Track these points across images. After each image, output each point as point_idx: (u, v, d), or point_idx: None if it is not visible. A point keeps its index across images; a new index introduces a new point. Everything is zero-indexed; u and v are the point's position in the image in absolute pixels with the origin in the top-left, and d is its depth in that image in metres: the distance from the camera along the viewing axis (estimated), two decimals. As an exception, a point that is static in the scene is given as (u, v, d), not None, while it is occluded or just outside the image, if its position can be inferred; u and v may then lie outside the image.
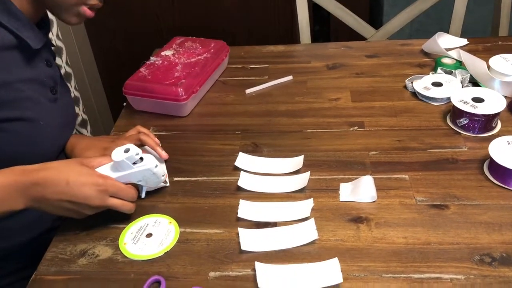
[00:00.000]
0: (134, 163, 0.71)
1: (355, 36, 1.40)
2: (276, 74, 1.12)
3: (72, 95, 1.60)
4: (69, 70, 1.57)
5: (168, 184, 0.83)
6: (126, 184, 0.71)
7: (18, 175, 0.66)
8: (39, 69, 0.78)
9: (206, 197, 0.80)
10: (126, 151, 0.70)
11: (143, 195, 0.78)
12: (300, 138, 0.92)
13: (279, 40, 1.85)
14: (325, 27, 2.00)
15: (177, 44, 1.13)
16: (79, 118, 1.66)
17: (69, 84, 1.58)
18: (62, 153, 0.86)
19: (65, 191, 0.66)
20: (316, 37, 1.88)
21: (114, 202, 0.70)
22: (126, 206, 0.71)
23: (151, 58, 1.07)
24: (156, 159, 0.73)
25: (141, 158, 0.72)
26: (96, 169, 0.70)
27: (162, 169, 0.76)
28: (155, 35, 1.86)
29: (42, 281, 0.68)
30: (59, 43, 1.50)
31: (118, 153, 0.70)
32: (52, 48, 0.86)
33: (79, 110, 1.65)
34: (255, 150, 0.89)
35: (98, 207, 0.69)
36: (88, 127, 1.71)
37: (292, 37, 1.84)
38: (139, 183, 0.74)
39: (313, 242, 0.70)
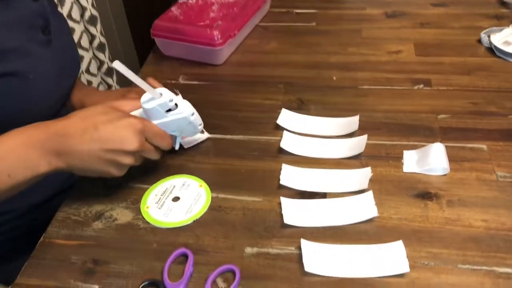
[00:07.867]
0: (168, 111, 0.60)
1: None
2: (326, 21, 0.98)
3: (98, 41, 1.49)
4: (95, 13, 1.45)
5: (207, 136, 0.72)
6: None
7: (31, 130, 0.54)
8: (23, 7, 0.63)
9: (243, 158, 0.68)
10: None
11: (176, 147, 0.67)
12: (354, 95, 0.79)
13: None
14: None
15: (214, -18, 0.99)
16: (105, 66, 1.55)
17: (94, 29, 1.47)
18: (63, 108, 0.73)
19: (95, 138, 0.54)
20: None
21: (150, 147, 0.59)
22: (156, 154, 0.61)
23: (184, -4, 0.94)
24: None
25: (176, 105, 0.60)
26: None
27: (198, 117, 0.65)
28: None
29: (51, 245, 0.58)
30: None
31: (148, 99, 0.58)
32: None
33: (104, 57, 1.54)
34: (300, 107, 0.77)
35: (136, 151, 0.56)
36: (114, 77, 1.60)
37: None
38: (173, 133, 0.63)
39: (371, 220, 0.58)
